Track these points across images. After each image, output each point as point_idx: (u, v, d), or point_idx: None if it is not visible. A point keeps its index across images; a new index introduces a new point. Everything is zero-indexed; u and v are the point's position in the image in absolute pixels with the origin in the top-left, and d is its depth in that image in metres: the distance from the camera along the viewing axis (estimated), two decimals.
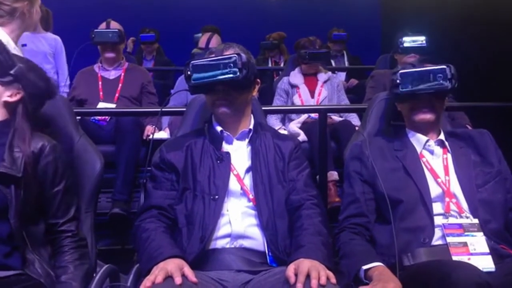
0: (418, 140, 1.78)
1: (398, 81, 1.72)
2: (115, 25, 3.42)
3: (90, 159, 1.74)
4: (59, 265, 1.51)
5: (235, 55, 1.60)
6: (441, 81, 1.70)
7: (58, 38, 4.16)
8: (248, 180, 1.65)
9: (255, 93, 1.76)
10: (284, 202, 1.62)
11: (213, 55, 1.67)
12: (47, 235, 1.55)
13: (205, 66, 1.61)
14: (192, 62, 1.63)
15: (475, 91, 3.32)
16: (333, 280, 1.34)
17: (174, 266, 1.35)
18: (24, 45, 3.83)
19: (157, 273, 1.32)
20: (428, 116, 1.74)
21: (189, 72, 1.62)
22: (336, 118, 3.44)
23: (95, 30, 3.33)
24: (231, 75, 1.59)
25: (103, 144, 2.92)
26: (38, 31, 4.02)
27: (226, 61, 1.59)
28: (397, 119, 1.87)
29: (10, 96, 1.56)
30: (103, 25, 3.43)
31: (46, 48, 4.01)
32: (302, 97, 3.56)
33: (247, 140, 1.72)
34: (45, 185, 1.53)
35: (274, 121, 3.55)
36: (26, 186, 1.48)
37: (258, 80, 1.76)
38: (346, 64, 5.56)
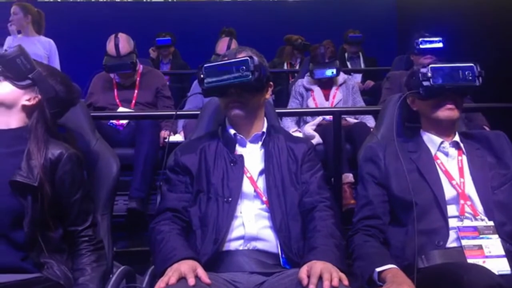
0: (432, 141, 1.76)
1: (429, 74, 1.70)
2: (123, 38, 3.33)
3: (107, 162, 1.77)
4: (76, 268, 1.54)
5: (247, 57, 1.61)
6: (469, 78, 1.71)
7: (51, 41, 4.12)
8: (261, 183, 1.66)
9: (268, 96, 1.77)
10: (297, 205, 1.63)
11: (226, 59, 1.68)
12: (64, 239, 1.57)
13: (217, 69, 1.63)
14: (205, 65, 1.64)
15: (493, 92, 3.28)
16: (346, 282, 1.34)
17: (187, 267, 1.37)
18: None
19: (171, 274, 1.34)
20: (453, 113, 1.73)
21: (202, 75, 1.64)
22: (351, 120, 3.43)
23: (107, 58, 3.27)
24: (243, 78, 1.60)
25: (120, 147, 2.97)
26: (31, 34, 4.00)
27: (238, 64, 1.61)
28: (411, 120, 1.86)
29: (29, 100, 1.58)
30: (111, 39, 3.34)
31: (41, 52, 3.96)
32: (317, 100, 3.56)
33: (260, 143, 1.73)
34: (63, 194, 1.54)
35: (289, 124, 3.55)
36: (43, 194, 1.49)
37: (271, 83, 1.77)
38: (362, 65, 5.54)
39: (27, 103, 1.58)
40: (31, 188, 1.47)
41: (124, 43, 3.31)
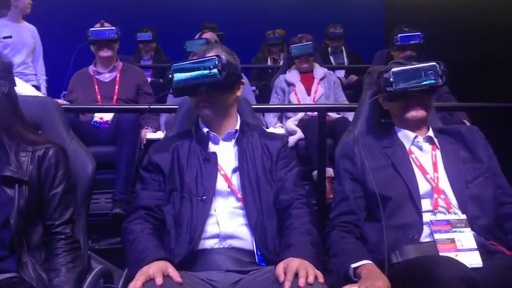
0: (406, 136, 1.78)
1: (391, 79, 1.74)
2: (108, 24, 3.39)
3: (82, 162, 1.74)
4: (52, 268, 1.52)
5: (215, 56, 1.62)
6: (432, 78, 1.73)
7: (35, 28, 3.90)
8: (235, 180, 1.65)
9: (239, 93, 1.76)
10: (272, 202, 1.62)
11: (195, 57, 1.68)
12: (43, 238, 1.56)
13: (186, 68, 1.63)
14: (174, 65, 1.65)
15: (473, 89, 3.31)
16: (321, 279, 1.35)
17: (156, 269, 1.36)
18: (9, 37, 3.67)
19: (138, 278, 1.33)
20: (420, 113, 1.76)
21: (170, 75, 1.64)
22: (333, 115, 3.44)
23: (91, 29, 3.33)
24: (211, 77, 1.60)
25: (101, 145, 2.95)
26: (19, 21, 3.72)
27: (206, 63, 1.61)
28: (386, 117, 1.88)
29: None
30: (97, 26, 3.39)
31: (30, 40, 3.75)
32: (299, 95, 3.58)
33: (233, 141, 1.72)
34: (45, 186, 1.56)
35: (271, 119, 3.56)
36: (31, 189, 1.52)
37: (243, 80, 1.77)
38: (345, 59, 5.56)
39: None
40: (21, 182, 1.50)
41: (109, 24, 3.40)
